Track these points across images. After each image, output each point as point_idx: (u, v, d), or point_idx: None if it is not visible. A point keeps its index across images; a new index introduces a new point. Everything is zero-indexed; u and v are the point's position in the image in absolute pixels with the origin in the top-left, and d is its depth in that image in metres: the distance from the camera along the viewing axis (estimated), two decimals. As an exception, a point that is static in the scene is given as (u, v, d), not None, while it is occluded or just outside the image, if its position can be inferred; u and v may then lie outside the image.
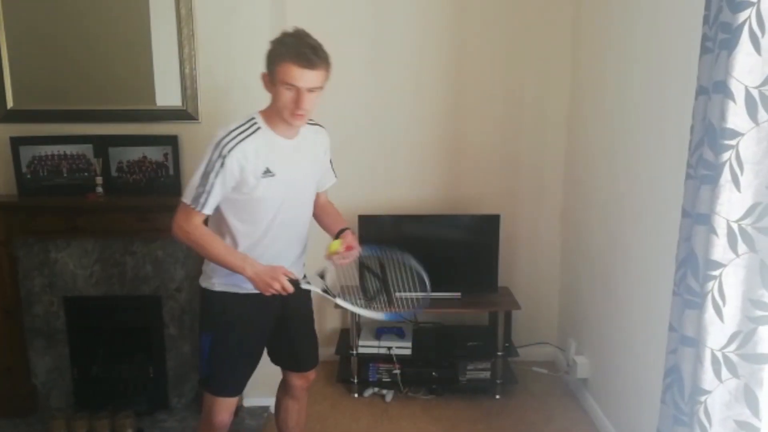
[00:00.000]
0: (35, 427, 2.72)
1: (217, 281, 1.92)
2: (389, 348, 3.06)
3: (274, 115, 1.81)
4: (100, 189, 2.66)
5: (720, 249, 1.47)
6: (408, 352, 3.08)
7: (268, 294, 1.79)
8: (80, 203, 2.64)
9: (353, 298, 1.99)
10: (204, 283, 1.97)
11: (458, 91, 3.25)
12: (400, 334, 3.17)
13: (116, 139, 2.68)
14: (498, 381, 3.05)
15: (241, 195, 1.82)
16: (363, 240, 3.15)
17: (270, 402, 2.90)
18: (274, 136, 1.83)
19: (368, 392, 3.07)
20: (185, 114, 2.68)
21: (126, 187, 2.70)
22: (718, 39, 1.46)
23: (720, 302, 1.49)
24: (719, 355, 1.51)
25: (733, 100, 1.41)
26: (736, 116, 1.42)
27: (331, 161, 2.09)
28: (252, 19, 2.63)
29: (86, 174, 2.69)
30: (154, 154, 2.68)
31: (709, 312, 1.50)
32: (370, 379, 3.09)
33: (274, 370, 2.89)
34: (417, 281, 1.95)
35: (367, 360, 3.09)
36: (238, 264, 1.79)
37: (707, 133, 1.51)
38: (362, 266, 2.03)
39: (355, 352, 3.06)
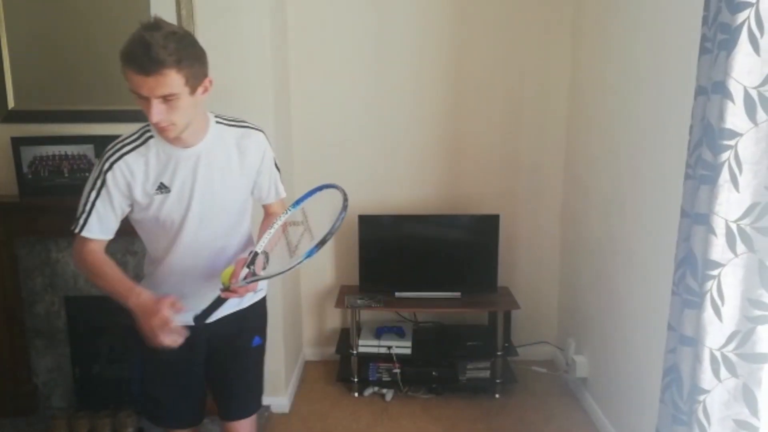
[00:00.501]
0: (36, 427, 2.72)
1: None
2: (389, 347, 3.07)
3: None
4: (100, 189, 2.66)
5: (719, 249, 1.48)
6: (408, 351, 3.09)
7: (150, 335, 1.48)
8: (81, 203, 2.65)
9: (281, 260, 1.64)
10: None
11: (458, 91, 3.25)
12: (400, 334, 3.17)
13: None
14: (498, 380, 3.05)
15: (138, 214, 1.61)
16: (363, 240, 3.16)
17: (270, 401, 2.91)
18: (167, 146, 1.55)
19: (368, 391, 3.08)
20: (186, 114, 2.68)
21: (127, 187, 2.71)
22: (717, 39, 1.46)
23: (719, 302, 1.49)
24: (718, 354, 1.51)
25: (732, 100, 1.41)
26: (734, 116, 1.42)
27: (278, 169, 1.77)
28: (252, 19, 2.63)
29: (87, 174, 2.66)
30: (154, 154, 2.69)
31: (708, 312, 1.51)
32: (370, 379, 3.10)
33: (274, 370, 2.91)
34: (333, 199, 1.58)
35: (367, 359, 3.09)
36: (122, 294, 1.51)
37: (706, 134, 1.51)
38: (286, 226, 1.67)
39: (355, 351, 3.06)
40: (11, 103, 2.67)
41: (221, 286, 1.55)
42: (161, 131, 1.48)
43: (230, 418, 1.82)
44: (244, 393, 1.83)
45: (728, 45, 1.41)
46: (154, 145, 1.56)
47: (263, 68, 2.68)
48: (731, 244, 1.47)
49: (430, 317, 3.40)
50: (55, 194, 2.69)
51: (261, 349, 1.86)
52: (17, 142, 2.65)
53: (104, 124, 2.69)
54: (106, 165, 1.54)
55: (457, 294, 3.13)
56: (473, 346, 3.14)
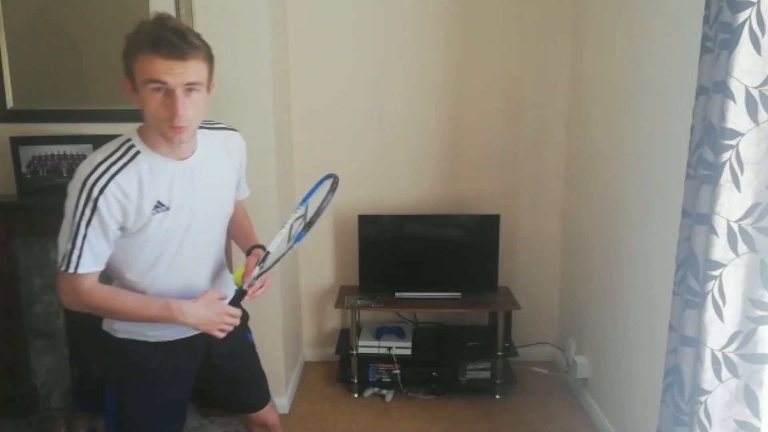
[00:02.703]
0: (35, 427, 2.72)
1: (118, 327, 1.55)
2: (389, 348, 3.06)
3: (153, 134, 1.42)
4: (100, 189, 2.66)
5: (720, 249, 1.47)
6: (408, 352, 3.08)
7: (223, 335, 1.49)
8: (80, 203, 2.64)
9: (281, 248, 1.60)
10: (104, 325, 1.58)
11: (458, 91, 3.24)
12: (400, 334, 3.17)
13: (116, 139, 2.68)
14: (498, 381, 3.05)
15: (126, 238, 1.44)
16: (363, 240, 3.16)
17: (270, 402, 2.90)
18: (160, 159, 1.42)
19: (368, 392, 3.07)
20: (185, 114, 2.67)
21: (126, 187, 2.70)
22: (718, 39, 1.46)
23: (720, 302, 1.49)
24: (719, 355, 1.51)
25: (733, 100, 1.41)
26: (736, 116, 1.42)
27: (246, 170, 1.73)
28: (252, 19, 2.63)
29: (86, 174, 2.69)
30: (154, 154, 2.68)
31: (710, 312, 1.50)
32: (370, 379, 3.09)
33: (274, 370, 2.90)
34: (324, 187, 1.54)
35: (367, 360, 3.09)
36: (164, 315, 1.42)
37: (707, 133, 1.51)
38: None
39: (355, 351, 3.06)
40: (10, 103, 2.67)
41: (235, 288, 1.54)
42: (177, 132, 1.35)
43: (256, 408, 1.83)
44: (261, 382, 1.87)
45: (729, 44, 1.41)
46: (145, 161, 1.41)
47: (263, 68, 2.67)
48: (733, 244, 1.47)
49: (430, 317, 3.39)
50: (54, 194, 2.67)
51: (253, 343, 1.87)
52: (16, 142, 2.64)
53: (103, 124, 2.68)
54: (95, 190, 1.35)
55: (457, 294, 3.12)
56: (473, 346, 3.13)
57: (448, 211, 3.29)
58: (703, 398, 1.52)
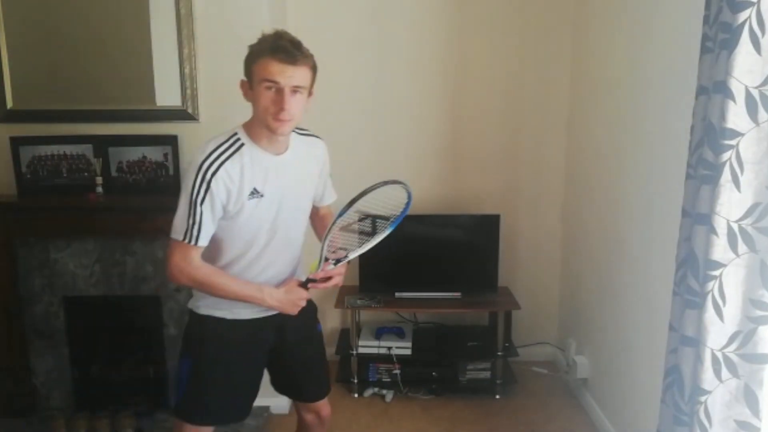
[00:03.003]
0: (35, 427, 2.72)
1: (201, 303, 1.76)
2: (389, 348, 3.06)
3: (257, 127, 1.63)
4: (100, 189, 2.66)
5: (720, 249, 1.47)
6: (408, 352, 3.08)
7: (296, 312, 1.73)
8: (80, 203, 2.64)
9: (358, 240, 1.81)
10: (190, 303, 1.81)
11: (458, 91, 3.24)
12: (400, 334, 3.17)
13: (116, 139, 2.68)
14: (498, 381, 3.05)
15: (226, 220, 1.65)
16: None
17: (270, 402, 2.90)
18: (260, 152, 1.64)
19: (368, 392, 3.07)
20: (185, 114, 2.67)
21: (126, 187, 2.70)
22: (718, 39, 1.46)
23: (720, 302, 1.49)
24: (719, 355, 1.51)
25: (733, 100, 1.41)
26: (736, 116, 1.42)
27: (330, 176, 1.93)
28: (252, 19, 2.63)
29: (86, 174, 2.69)
30: (153, 154, 2.68)
31: (710, 312, 1.50)
32: (370, 379, 3.09)
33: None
34: (388, 189, 1.74)
35: (367, 360, 3.09)
36: (256, 296, 1.67)
37: (707, 133, 1.51)
38: (345, 229, 1.79)
39: (355, 352, 3.06)
40: (10, 103, 2.67)
41: (308, 275, 1.74)
42: (281, 124, 1.57)
43: (315, 398, 1.96)
44: (324, 374, 2.02)
45: (729, 44, 1.41)
46: (247, 152, 1.63)
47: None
48: (733, 244, 1.46)
49: (430, 317, 3.39)
50: (54, 194, 2.68)
51: (322, 335, 2.02)
52: (16, 142, 2.65)
53: (103, 124, 2.69)
54: (209, 174, 1.58)
55: (458, 294, 3.12)
56: (473, 346, 3.13)
57: (448, 211, 3.29)
58: (703, 398, 1.52)
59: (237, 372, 1.78)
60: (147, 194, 2.69)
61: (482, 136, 3.27)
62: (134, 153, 2.69)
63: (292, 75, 1.55)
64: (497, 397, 3.04)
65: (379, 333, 3.16)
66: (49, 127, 2.69)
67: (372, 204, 1.73)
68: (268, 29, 1.63)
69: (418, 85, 3.22)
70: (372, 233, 1.82)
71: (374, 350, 3.07)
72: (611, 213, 2.66)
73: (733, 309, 1.49)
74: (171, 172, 2.69)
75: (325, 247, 1.71)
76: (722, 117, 1.43)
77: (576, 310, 3.16)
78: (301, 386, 1.96)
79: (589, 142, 2.97)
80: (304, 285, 1.73)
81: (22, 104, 2.68)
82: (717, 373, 1.51)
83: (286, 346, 1.85)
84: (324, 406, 1.99)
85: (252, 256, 1.72)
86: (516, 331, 3.32)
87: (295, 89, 1.57)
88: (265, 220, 1.69)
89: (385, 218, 1.80)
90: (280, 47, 1.54)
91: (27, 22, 2.63)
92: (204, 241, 1.62)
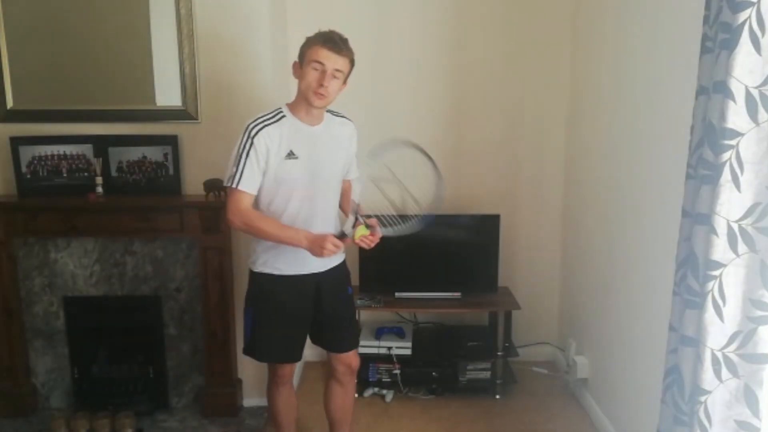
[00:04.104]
0: (35, 427, 2.72)
1: (258, 262, 2.12)
2: (389, 348, 3.06)
3: (298, 103, 2.03)
4: (100, 189, 2.66)
5: (720, 249, 1.47)
6: (408, 352, 3.08)
7: (324, 256, 1.96)
8: (80, 203, 2.64)
9: (390, 219, 2.09)
10: (249, 262, 2.19)
11: (458, 91, 3.24)
12: (400, 334, 3.17)
13: (116, 139, 2.68)
14: (498, 381, 3.05)
15: (268, 177, 2.00)
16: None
17: (270, 402, 2.91)
18: (298, 122, 2.03)
19: (368, 392, 3.07)
20: (185, 114, 2.68)
21: (126, 187, 2.70)
22: (719, 39, 1.46)
23: (720, 302, 1.49)
24: (719, 355, 1.50)
25: (734, 100, 1.41)
26: (736, 116, 1.41)
27: (356, 155, 2.23)
28: (252, 18, 2.63)
29: (86, 174, 2.69)
30: (154, 154, 2.68)
31: (709, 312, 1.50)
32: (370, 379, 3.09)
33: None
34: (425, 165, 2.06)
35: (367, 360, 3.08)
36: (294, 237, 1.98)
37: (707, 133, 1.51)
38: (377, 181, 2.06)
39: (355, 352, 3.06)
40: (10, 103, 2.67)
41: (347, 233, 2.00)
42: (318, 97, 1.96)
43: (345, 349, 2.29)
44: (354, 329, 2.40)
45: (729, 44, 1.41)
46: (287, 122, 2.02)
47: (263, 68, 2.67)
48: (733, 244, 1.46)
49: (430, 317, 3.39)
50: (54, 194, 2.68)
51: (353, 297, 2.37)
52: (16, 142, 2.65)
53: (103, 124, 2.69)
54: (253, 132, 1.97)
55: (457, 294, 3.12)
56: (473, 346, 3.13)
57: (448, 211, 3.28)
58: (703, 398, 1.52)
59: (286, 319, 2.15)
60: (147, 194, 2.69)
61: (482, 136, 3.27)
62: (134, 153, 2.69)
63: (335, 61, 1.95)
64: (497, 397, 3.04)
65: (379, 333, 3.16)
66: (49, 127, 2.69)
67: (405, 174, 2.01)
68: (324, 28, 2.01)
69: (418, 86, 3.22)
70: (401, 216, 2.10)
71: (374, 350, 3.07)
72: (611, 213, 2.66)
73: (733, 309, 1.49)
74: (171, 172, 2.69)
75: (357, 197, 2.02)
76: (722, 117, 1.43)
77: (576, 310, 3.16)
78: (332, 338, 2.27)
79: (588, 143, 2.97)
80: (339, 236, 1.98)
81: (22, 104, 2.68)
82: (717, 373, 1.51)
83: (323, 302, 2.18)
84: (354, 358, 2.31)
85: (291, 213, 2.04)
86: (516, 331, 3.32)
87: (335, 74, 1.97)
88: (301, 180, 2.03)
89: (415, 200, 2.07)
90: (330, 39, 1.96)
91: (27, 22, 2.63)
92: (247, 186, 1.97)
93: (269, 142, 1.98)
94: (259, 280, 2.15)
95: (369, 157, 2.01)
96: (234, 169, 1.98)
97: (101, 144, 2.68)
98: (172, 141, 2.67)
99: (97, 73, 2.67)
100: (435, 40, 3.19)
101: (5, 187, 2.73)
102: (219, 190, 2.61)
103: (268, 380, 2.31)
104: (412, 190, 2.02)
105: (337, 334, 2.28)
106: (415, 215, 2.07)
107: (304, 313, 2.19)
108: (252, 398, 2.90)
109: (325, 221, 2.12)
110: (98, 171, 2.66)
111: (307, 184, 2.05)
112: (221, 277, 2.69)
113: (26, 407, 2.81)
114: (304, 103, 2.01)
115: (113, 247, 2.74)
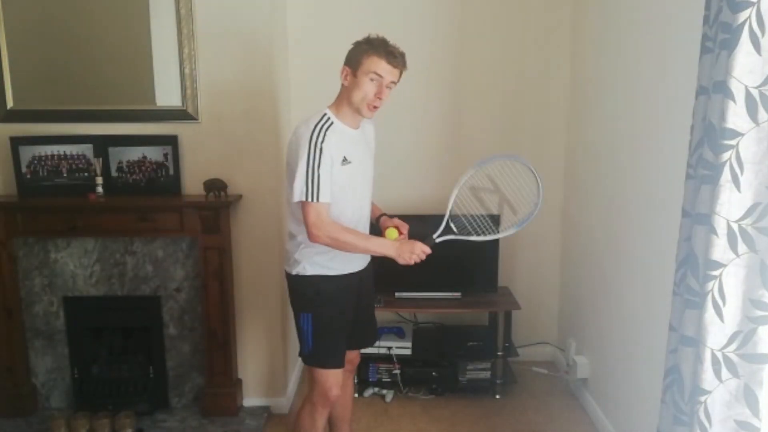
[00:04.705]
0: (35, 427, 2.72)
1: (308, 266, 2.06)
2: (389, 348, 3.06)
3: (342, 107, 2.00)
4: (100, 189, 2.66)
5: (720, 249, 1.47)
6: (408, 352, 3.08)
7: (413, 262, 2.02)
8: (80, 203, 2.64)
9: (482, 225, 2.11)
10: (294, 269, 2.09)
11: (458, 91, 3.24)
12: (400, 334, 3.16)
13: (116, 139, 2.68)
14: (498, 381, 3.05)
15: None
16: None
17: (270, 402, 2.91)
18: (344, 127, 2.01)
19: (368, 392, 3.07)
20: (185, 114, 2.67)
21: (126, 187, 2.70)
22: (718, 39, 1.46)
23: (720, 302, 1.49)
24: (719, 355, 1.50)
25: (733, 100, 1.41)
26: (736, 116, 1.42)
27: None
28: (252, 19, 2.63)
29: (86, 174, 2.69)
30: (154, 154, 2.68)
31: (709, 312, 1.50)
32: (370, 379, 3.09)
33: (274, 370, 2.90)
34: (526, 174, 2.08)
35: (367, 360, 3.08)
36: (383, 245, 2.01)
37: (707, 133, 1.51)
38: (475, 190, 2.12)
39: (355, 352, 3.06)
40: (10, 103, 2.67)
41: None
42: (372, 110, 1.98)
43: (369, 344, 2.38)
44: (375, 323, 2.42)
45: (729, 44, 1.41)
46: (337, 128, 1.98)
47: (263, 68, 2.67)
48: (732, 244, 1.46)
49: (430, 317, 3.39)
50: (54, 194, 2.68)
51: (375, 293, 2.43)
52: (16, 142, 2.65)
53: (103, 124, 2.69)
54: (320, 140, 1.91)
55: (457, 294, 3.12)
56: (473, 346, 3.13)
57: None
58: (703, 398, 1.52)
59: (341, 316, 2.12)
60: (147, 194, 2.69)
61: (482, 136, 3.27)
62: (134, 153, 2.69)
63: (393, 75, 1.96)
64: (497, 397, 3.04)
65: (379, 333, 3.15)
66: (49, 127, 2.69)
67: (507, 184, 2.10)
68: (373, 34, 1.98)
69: (418, 86, 3.21)
70: (497, 222, 2.16)
71: (374, 350, 3.05)
72: (611, 213, 2.66)
73: (733, 309, 1.49)
74: (171, 172, 2.69)
75: (452, 203, 2.05)
76: (722, 117, 1.43)
77: (576, 310, 3.16)
78: (362, 333, 2.28)
79: (589, 142, 2.97)
80: (427, 242, 2.01)
81: (22, 104, 2.68)
82: (717, 373, 1.51)
83: (362, 297, 2.21)
84: (357, 354, 2.37)
85: (351, 220, 2.04)
86: (516, 331, 3.32)
87: (390, 86, 1.98)
88: (355, 183, 2.04)
89: (513, 208, 2.14)
90: (392, 53, 1.94)
91: (27, 22, 2.63)
92: (326, 197, 1.92)
93: (332, 148, 1.93)
94: (314, 282, 2.06)
95: (474, 167, 2.04)
96: (311, 183, 1.90)
97: (101, 144, 2.68)
98: (172, 141, 2.67)
99: (97, 73, 2.67)
100: (435, 40, 3.19)
101: (5, 187, 2.73)
102: (219, 190, 2.61)
103: (311, 399, 2.14)
104: (511, 199, 2.12)
105: (366, 329, 2.30)
106: (512, 224, 2.14)
107: (351, 310, 2.17)
108: (252, 398, 2.90)
109: (367, 225, 2.16)
110: (98, 171, 2.66)
111: (360, 188, 2.07)
112: (221, 277, 2.69)
113: (26, 407, 2.81)
114: (352, 110, 1.99)
115: (113, 247, 2.74)
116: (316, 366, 2.11)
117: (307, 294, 2.08)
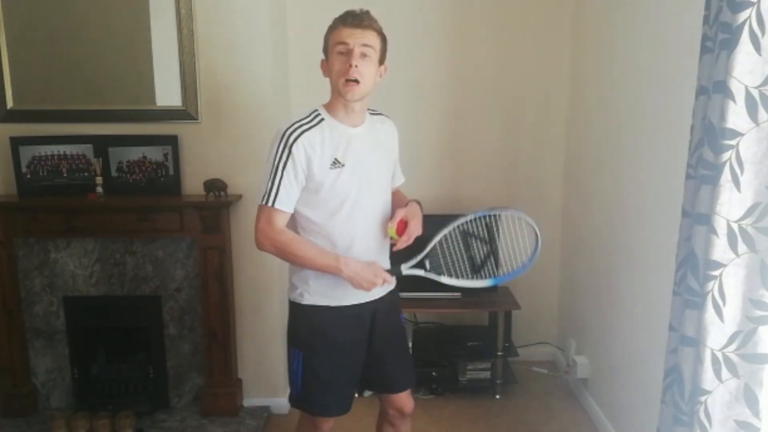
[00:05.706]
0: (35, 427, 2.72)
1: (305, 293, 1.80)
2: (389, 348, 3.06)
3: (334, 101, 1.76)
4: (100, 189, 2.66)
5: (720, 249, 1.47)
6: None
7: (369, 291, 1.74)
8: (80, 203, 2.64)
9: (459, 270, 1.86)
10: (291, 295, 1.84)
11: (458, 92, 3.24)
12: (400, 334, 3.16)
13: (116, 139, 2.68)
14: (498, 381, 3.05)
15: (309, 191, 1.73)
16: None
17: (270, 402, 2.91)
18: (338, 125, 1.75)
19: (368, 392, 3.07)
20: (185, 114, 2.67)
21: (126, 187, 2.70)
22: (718, 39, 1.46)
23: (720, 302, 1.49)
24: (719, 355, 1.50)
25: (733, 100, 1.41)
26: (736, 116, 1.42)
27: (399, 159, 2.01)
28: (252, 18, 2.63)
29: (86, 174, 2.69)
30: (154, 154, 2.68)
31: (710, 312, 1.50)
32: (370, 379, 3.09)
33: (274, 370, 2.90)
34: (527, 234, 1.90)
35: (367, 360, 3.09)
36: (332, 265, 1.70)
37: (707, 133, 1.51)
38: (466, 235, 1.89)
39: (355, 352, 3.05)
40: (10, 103, 2.67)
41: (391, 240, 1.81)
42: (349, 85, 1.68)
43: (402, 389, 1.98)
44: (408, 364, 2.04)
45: (729, 44, 1.41)
46: (327, 126, 1.74)
47: (262, 68, 2.67)
48: (733, 244, 1.46)
49: (430, 317, 3.39)
50: (54, 194, 2.68)
51: (404, 325, 2.07)
52: (16, 142, 2.65)
53: (103, 124, 2.69)
54: (291, 139, 1.68)
55: (457, 294, 3.12)
56: (473, 346, 3.13)
57: (448, 212, 3.28)
58: (703, 398, 1.52)
59: (343, 360, 1.83)
60: (147, 194, 2.69)
61: (482, 136, 3.27)
62: (134, 153, 2.69)
63: (360, 36, 1.68)
64: (497, 397, 3.04)
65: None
66: (49, 127, 2.69)
67: (502, 238, 1.94)
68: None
69: (417, 85, 3.22)
70: (476, 271, 1.92)
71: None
72: (611, 213, 2.66)
73: (733, 309, 1.49)
74: (171, 172, 2.69)
75: (436, 241, 1.82)
76: (722, 117, 1.43)
77: (576, 310, 3.16)
78: (388, 375, 1.95)
79: (588, 143, 2.97)
80: (392, 271, 1.77)
81: (22, 104, 2.68)
82: (717, 373, 1.51)
83: (376, 333, 1.87)
84: (408, 400, 2.00)
85: (338, 231, 1.76)
86: (516, 331, 3.32)
87: (364, 52, 1.68)
88: (348, 191, 1.75)
89: (498, 263, 1.98)
90: (349, 14, 1.71)
91: (27, 23, 2.63)
92: (283, 205, 1.69)
93: (310, 150, 1.68)
94: (309, 315, 1.80)
95: (474, 213, 1.84)
96: (269, 184, 1.68)
97: (101, 144, 2.68)
98: (172, 141, 2.67)
99: (97, 73, 2.67)
100: (435, 42, 3.18)
101: (5, 187, 2.73)
102: (219, 190, 2.61)
103: (303, 426, 1.96)
104: (500, 253, 2.00)
105: (391, 371, 1.95)
106: (488, 276, 1.92)
107: (360, 349, 1.86)
108: (252, 398, 2.90)
109: (371, 242, 1.82)
110: (98, 171, 2.67)
111: (356, 195, 1.76)
112: (221, 277, 2.69)
113: (26, 407, 2.81)
114: (340, 99, 1.72)
115: (113, 247, 2.74)
116: (302, 410, 1.89)
117: (299, 329, 1.83)
